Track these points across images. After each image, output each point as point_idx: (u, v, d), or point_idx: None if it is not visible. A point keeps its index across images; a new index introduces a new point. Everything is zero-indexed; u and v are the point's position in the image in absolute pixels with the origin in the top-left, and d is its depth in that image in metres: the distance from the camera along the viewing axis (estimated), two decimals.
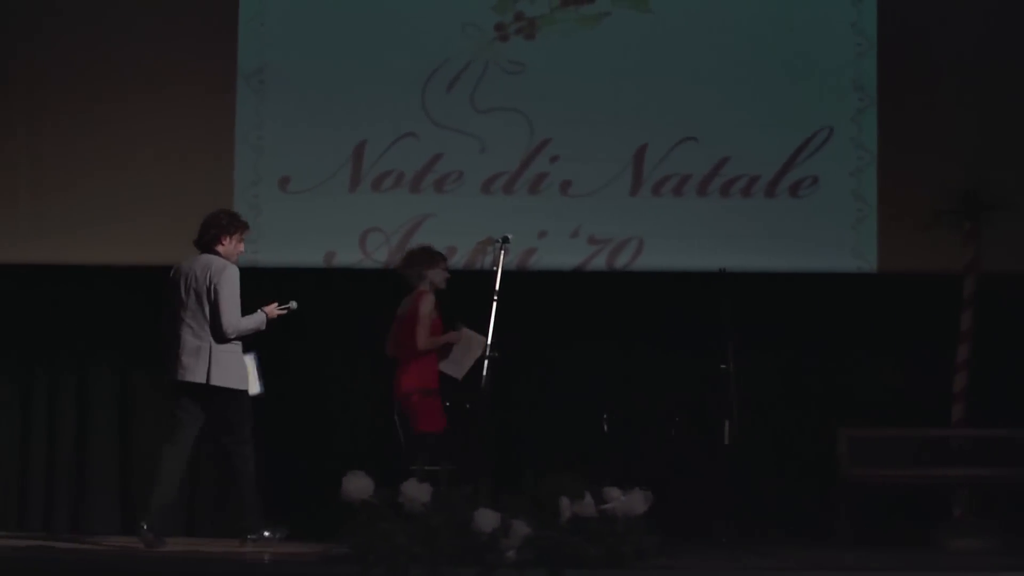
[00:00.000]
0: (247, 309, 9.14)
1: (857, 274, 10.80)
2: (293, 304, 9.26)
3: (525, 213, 10.78)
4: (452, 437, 9.55)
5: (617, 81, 10.96)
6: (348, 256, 10.89)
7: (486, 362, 9.08)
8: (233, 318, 9.01)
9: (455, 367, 9.72)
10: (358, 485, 7.94)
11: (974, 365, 10.26)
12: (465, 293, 9.73)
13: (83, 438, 11.01)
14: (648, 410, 10.40)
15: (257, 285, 9.41)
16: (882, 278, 10.78)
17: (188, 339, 9.03)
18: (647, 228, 10.87)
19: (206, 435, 9.22)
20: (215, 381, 8.99)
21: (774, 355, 10.71)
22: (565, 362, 10.80)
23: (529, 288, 9.90)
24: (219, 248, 9.19)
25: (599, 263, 10.82)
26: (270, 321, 9.23)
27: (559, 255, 10.72)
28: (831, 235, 10.86)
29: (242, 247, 9.36)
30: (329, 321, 10.79)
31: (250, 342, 9.25)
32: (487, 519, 7.73)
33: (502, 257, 9.26)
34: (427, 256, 9.83)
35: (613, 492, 8.02)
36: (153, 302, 10.36)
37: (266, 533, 9.07)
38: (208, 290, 9.04)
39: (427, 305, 9.64)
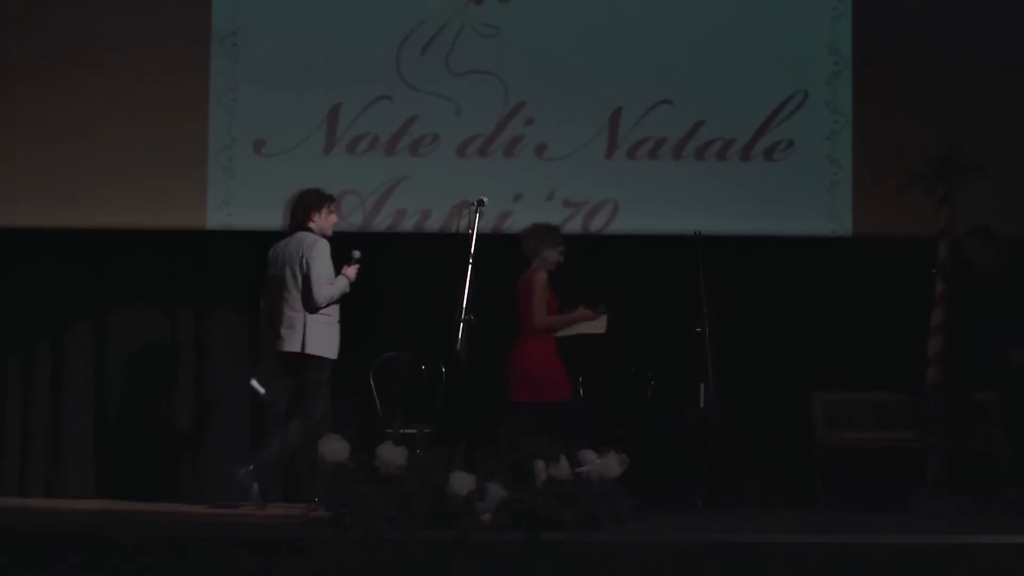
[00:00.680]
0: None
1: (832, 237, 10.82)
2: (357, 253, 9.69)
3: (500, 176, 10.78)
4: (577, 404, 9.67)
5: (592, 44, 10.93)
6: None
7: (461, 325, 9.07)
8: (324, 287, 9.52)
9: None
10: (334, 448, 7.94)
11: (948, 329, 10.29)
12: (440, 256, 9.72)
13: (57, 401, 10.98)
14: (623, 373, 10.40)
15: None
16: (857, 241, 10.79)
17: (286, 312, 9.56)
18: (622, 191, 10.87)
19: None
20: (309, 349, 9.52)
21: (749, 318, 10.72)
22: None
23: (504, 251, 9.88)
24: (311, 225, 9.70)
25: (574, 226, 10.80)
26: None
27: (534, 218, 10.66)
28: (806, 199, 10.88)
29: (333, 218, 9.86)
30: None
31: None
32: (462, 482, 7.74)
33: (477, 220, 9.24)
34: (548, 234, 9.87)
35: (588, 455, 8.02)
36: (128, 265, 10.39)
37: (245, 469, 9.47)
38: (300, 264, 9.56)
39: (540, 283, 9.69)
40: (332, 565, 7.65)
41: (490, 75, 10.92)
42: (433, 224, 10.74)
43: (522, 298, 9.75)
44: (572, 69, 10.89)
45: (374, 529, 7.64)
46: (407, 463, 7.88)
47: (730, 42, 10.93)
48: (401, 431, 9.11)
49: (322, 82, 10.91)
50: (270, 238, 9.95)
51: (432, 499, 7.75)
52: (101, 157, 10.78)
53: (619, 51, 10.92)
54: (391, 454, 7.89)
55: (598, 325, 9.71)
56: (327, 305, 9.55)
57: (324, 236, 9.69)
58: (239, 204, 10.78)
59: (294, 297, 9.55)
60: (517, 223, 10.64)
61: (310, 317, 9.51)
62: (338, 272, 9.65)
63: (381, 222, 10.82)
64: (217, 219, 10.80)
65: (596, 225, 10.85)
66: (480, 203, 9.29)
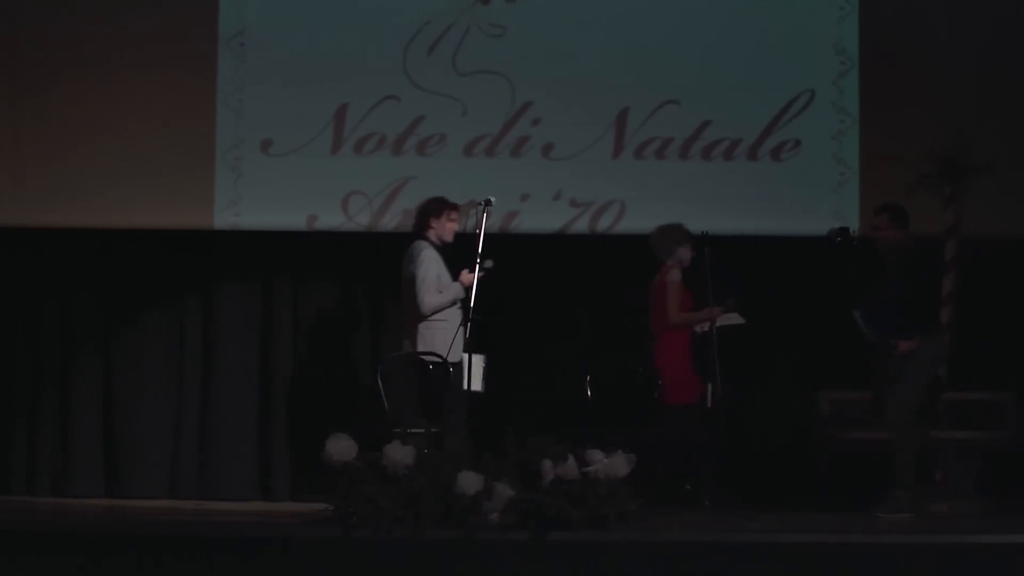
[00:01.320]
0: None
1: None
2: (489, 263, 9.42)
3: (507, 176, 10.79)
4: (701, 408, 9.68)
5: (599, 44, 10.94)
6: (330, 219, 10.87)
7: (468, 325, 9.11)
8: (427, 296, 9.55)
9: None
10: (341, 447, 7.95)
11: (956, 328, 10.29)
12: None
13: (67, 399, 10.98)
14: (631, 373, 10.39)
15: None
16: (863, 241, 10.77)
17: (406, 318, 9.67)
18: (629, 191, 10.88)
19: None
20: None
21: (756, 318, 10.70)
22: (547, 325, 10.82)
23: (511, 251, 9.88)
24: (429, 232, 9.75)
25: (581, 226, 10.82)
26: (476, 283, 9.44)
27: (541, 218, 10.73)
28: (813, 198, 10.88)
29: (453, 225, 9.85)
30: (312, 285, 10.83)
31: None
32: (470, 482, 7.76)
33: (484, 220, 9.25)
34: (678, 233, 9.90)
35: (596, 455, 8.04)
36: (134, 264, 10.41)
37: None
38: (408, 271, 9.64)
39: (674, 282, 9.76)
40: (339, 565, 7.67)
41: (497, 75, 10.92)
42: None
43: (656, 299, 9.85)
44: (579, 69, 10.90)
45: (382, 529, 7.66)
46: (415, 462, 7.90)
47: (737, 42, 10.93)
48: (408, 431, 9.14)
49: (329, 82, 10.91)
50: (279, 238, 9.96)
51: (440, 498, 7.77)
52: (108, 157, 10.79)
53: (626, 51, 10.92)
54: (399, 453, 7.90)
55: (733, 317, 9.77)
56: (433, 313, 9.56)
57: (443, 242, 9.73)
58: (246, 204, 10.79)
59: (410, 304, 9.62)
60: (524, 223, 10.68)
61: (421, 323, 9.58)
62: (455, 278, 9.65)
63: (388, 222, 10.83)
64: (224, 219, 10.81)
65: (603, 225, 10.85)
66: (487, 203, 9.31)
